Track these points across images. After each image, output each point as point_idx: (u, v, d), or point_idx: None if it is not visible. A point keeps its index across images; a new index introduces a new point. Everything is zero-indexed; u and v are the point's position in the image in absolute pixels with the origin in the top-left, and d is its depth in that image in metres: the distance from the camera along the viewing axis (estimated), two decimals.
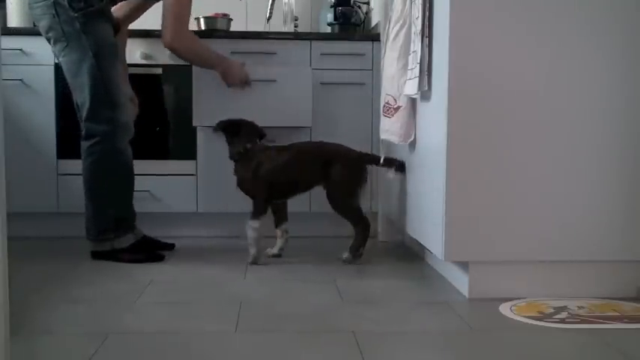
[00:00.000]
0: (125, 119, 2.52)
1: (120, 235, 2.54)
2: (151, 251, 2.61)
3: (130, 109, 2.59)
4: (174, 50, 2.67)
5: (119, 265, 2.46)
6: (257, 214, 2.50)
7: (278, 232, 2.62)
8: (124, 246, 2.54)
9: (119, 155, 2.51)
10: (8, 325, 1.37)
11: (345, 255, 2.51)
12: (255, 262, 2.49)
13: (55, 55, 2.56)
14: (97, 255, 2.56)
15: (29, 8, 2.56)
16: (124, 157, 2.53)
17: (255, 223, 2.48)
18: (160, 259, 2.56)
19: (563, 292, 2.06)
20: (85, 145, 2.51)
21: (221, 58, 2.78)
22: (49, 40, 2.51)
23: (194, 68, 2.95)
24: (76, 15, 2.41)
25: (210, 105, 2.92)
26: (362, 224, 2.53)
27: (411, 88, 2.27)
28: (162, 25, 2.61)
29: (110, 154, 2.49)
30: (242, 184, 2.56)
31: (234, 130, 2.60)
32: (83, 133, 2.51)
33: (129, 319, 1.83)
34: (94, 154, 2.50)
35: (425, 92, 2.23)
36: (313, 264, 2.52)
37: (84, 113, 2.48)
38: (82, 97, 2.47)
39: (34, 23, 3.31)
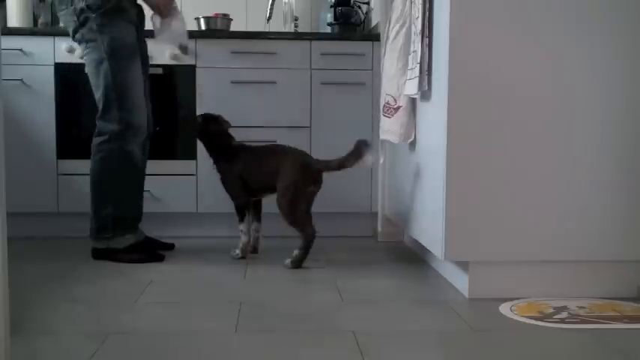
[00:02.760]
0: (137, 122, 2.51)
1: (117, 234, 2.54)
2: (151, 251, 2.61)
3: (143, 111, 2.56)
4: None
5: (119, 265, 2.46)
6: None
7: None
8: (121, 246, 2.54)
9: (125, 156, 2.50)
10: (8, 325, 1.37)
11: (287, 261, 2.44)
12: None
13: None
14: (96, 253, 2.56)
15: (59, 17, 2.62)
16: (131, 158, 2.52)
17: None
18: (159, 259, 2.56)
19: (563, 292, 2.06)
20: (94, 142, 2.53)
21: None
22: (78, 43, 2.55)
23: (198, 69, 2.96)
24: (93, 16, 2.43)
25: (214, 105, 2.93)
26: (304, 234, 2.45)
27: (411, 88, 2.27)
28: None
29: (117, 153, 2.49)
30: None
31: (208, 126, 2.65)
32: (96, 130, 2.53)
33: (129, 319, 1.83)
34: (101, 152, 2.51)
35: (425, 92, 2.23)
36: (313, 264, 2.52)
37: (98, 112, 2.51)
38: (97, 96, 2.51)
39: (34, 23, 3.33)
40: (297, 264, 2.43)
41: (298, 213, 2.42)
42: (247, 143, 2.65)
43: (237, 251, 2.60)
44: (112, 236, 2.53)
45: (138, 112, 2.52)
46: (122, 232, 2.55)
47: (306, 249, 2.44)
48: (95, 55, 2.47)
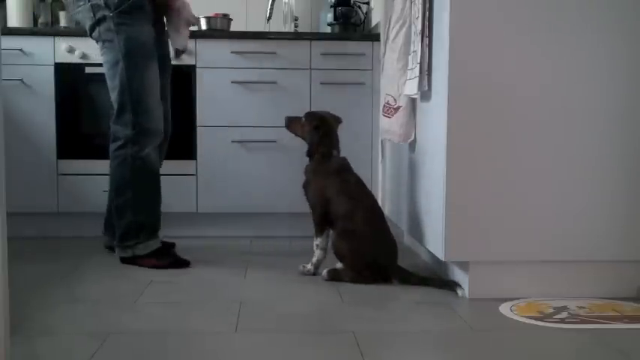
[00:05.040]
0: (152, 126, 2.43)
1: (141, 241, 2.45)
2: (175, 257, 2.52)
3: (159, 115, 2.47)
4: None
5: (119, 265, 2.46)
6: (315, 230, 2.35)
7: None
8: (144, 253, 2.45)
9: (141, 161, 2.42)
10: (8, 325, 1.37)
11: (324, 272, 2.28)
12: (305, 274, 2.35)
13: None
14: (124, 261, 2.49)
15: (73, 16, 2.53)
16: (147, 163, 2.44)
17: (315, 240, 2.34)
18: (184, 264, 2.47)
19: (563, 292, 2.06)
20: (111, 148, 2.46)
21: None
22: (95, 41, 2.47)
23: (197, 69, 2.96)
24: (111, 14, 2.35)
25: (215, 104, 2.93)
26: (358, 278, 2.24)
27: (411, 88, 2.27)
28: None
29: (132, 159, 2.41)
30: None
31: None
32: (111, 135, 2.46)
33: (129, 319, 1.82)
34: (117, 158, 2.44)
35: (425, 92, 2.23)
36: None
37: (113, 115, 2.44)
38: (113, 98, 2.43)
39: (34, 23, 3.33)
40: (335, 277, 2.25)
41: (365, 270, 2.24)
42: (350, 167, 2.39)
43: (309, 266, 2.33)
44: (136, 243, 2.45)
45: (153, 116, 2.43)
46: (146, 239, 2.45)
47: (353, 281, 2.23)
48: (111, 55, 2.39)
